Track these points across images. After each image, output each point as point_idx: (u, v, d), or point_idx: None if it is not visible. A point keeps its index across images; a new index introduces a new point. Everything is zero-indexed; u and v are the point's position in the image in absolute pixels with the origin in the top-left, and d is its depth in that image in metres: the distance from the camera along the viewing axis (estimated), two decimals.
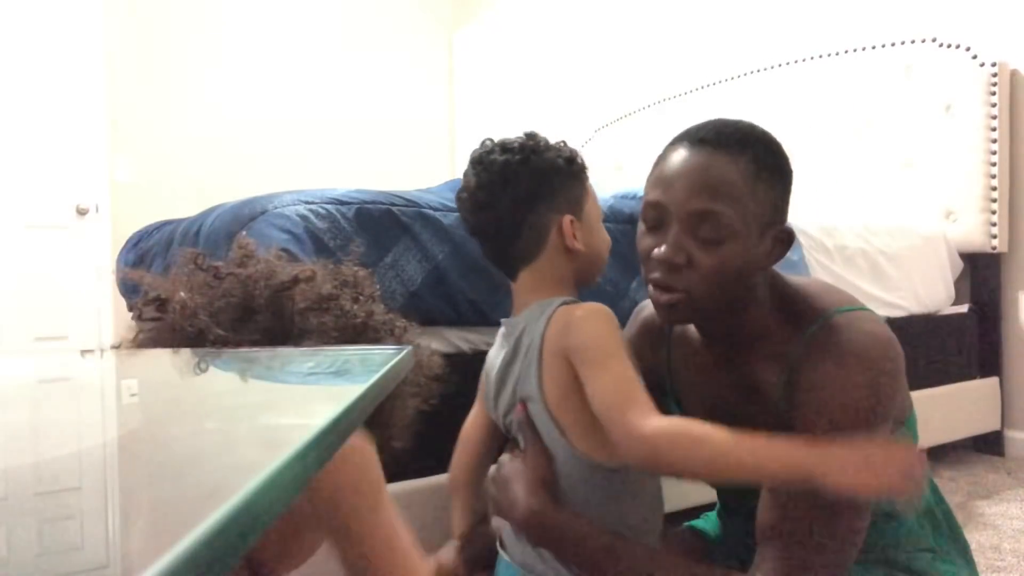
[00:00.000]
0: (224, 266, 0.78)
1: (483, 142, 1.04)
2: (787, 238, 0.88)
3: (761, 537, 0.84)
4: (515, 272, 1.03)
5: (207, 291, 0.75)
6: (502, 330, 1.06)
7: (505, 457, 1.01)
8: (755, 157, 0.84)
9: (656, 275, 0.85)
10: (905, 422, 0.93)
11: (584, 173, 1.07)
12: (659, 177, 0.87)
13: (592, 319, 0.92)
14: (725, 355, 0.95)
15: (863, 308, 0.88)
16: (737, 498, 1.07)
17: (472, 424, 1.18)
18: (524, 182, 0.98)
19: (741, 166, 0.83)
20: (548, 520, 0.89)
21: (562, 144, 1.06)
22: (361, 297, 0.82)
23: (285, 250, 1.29)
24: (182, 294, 0.74)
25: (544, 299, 0.98)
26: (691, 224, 0.83)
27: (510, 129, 1.12)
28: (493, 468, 1.02)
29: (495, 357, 1.06)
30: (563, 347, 0.92)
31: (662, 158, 0.89)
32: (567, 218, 0.99)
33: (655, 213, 0.87)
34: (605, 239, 1.08)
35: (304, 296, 0.78)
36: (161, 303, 0.75)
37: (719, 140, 0.85)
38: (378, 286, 0.85)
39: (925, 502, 0.99)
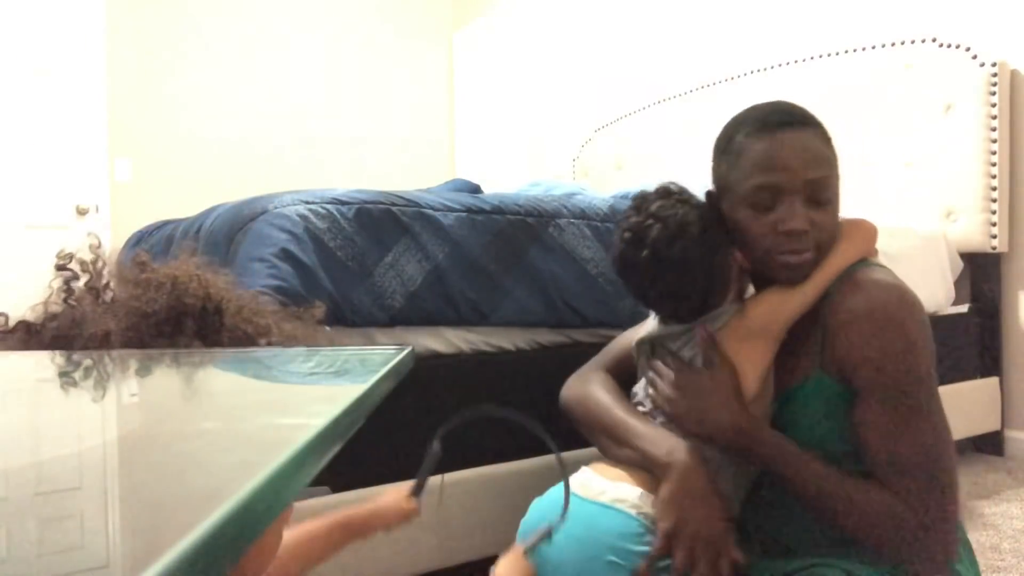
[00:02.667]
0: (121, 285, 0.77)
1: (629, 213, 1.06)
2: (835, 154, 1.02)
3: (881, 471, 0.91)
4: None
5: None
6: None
7: (667, 370, 1.03)
8: (821, 127, 0.99)
9: (788, 246, 0.96)
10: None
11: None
12: (762, 163, 0.96)
13: None
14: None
15: (884, 267, 1.00)
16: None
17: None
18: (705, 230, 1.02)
19: (821, 135, 0.98)
20: (757, 433, 0.95)
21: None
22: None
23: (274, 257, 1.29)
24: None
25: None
26: (808, 193, 0.95)
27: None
28: (661, 384, 1.03)
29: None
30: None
31: (747, 148, 0.97)
32: (737, 253, 1.03)
33: (767, 194, 0.96)
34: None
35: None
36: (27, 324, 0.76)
37: (800, 119, 0.97)
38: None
39: None
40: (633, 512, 0.96)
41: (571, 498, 1.01)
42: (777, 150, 0.95)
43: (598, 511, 0.98)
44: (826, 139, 0.98)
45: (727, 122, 1.04)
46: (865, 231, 1.03)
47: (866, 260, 1.01)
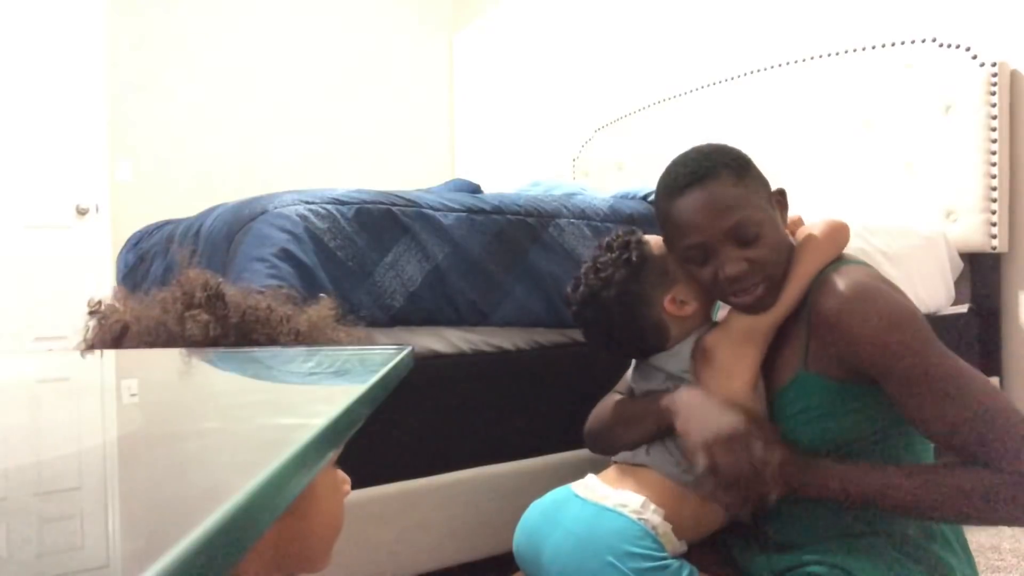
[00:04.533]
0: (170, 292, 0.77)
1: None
2: (782, 195, 1.08)
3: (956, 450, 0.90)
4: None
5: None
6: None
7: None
8: (726, 167, 1.01)
9: (733, 289, 1.01)
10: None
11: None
12: (681, 225, 1.02)
13: None
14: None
15: (857, 262, 1.02)
16: None
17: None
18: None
19: (724, 178, 1.00)
20: (800, 461, 0.96)
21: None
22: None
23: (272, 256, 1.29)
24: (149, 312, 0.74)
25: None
26: (730, 239, 0.99)
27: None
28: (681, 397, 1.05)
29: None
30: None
31: (668, 213, 1.04)
32: (667, 303, 1.09)
33: (698, 251, 1.01)
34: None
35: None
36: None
37: (703, 172, 1.00)
38: (333, 310, 0.83)
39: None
40: (634, 517, 0.98)
41: (574, 500, 1.03)
42: (686, 212, 1.00)
43: (600, 513, 1.00)
44: (738, 177, 1.00)
45: (659, 177, 1.08)
46: (835, 230, 1.05)
47: (842, 259, 1.03)
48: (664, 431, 1.04)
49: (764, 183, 1.05)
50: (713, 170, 1.00)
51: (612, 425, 1.15)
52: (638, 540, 0.95)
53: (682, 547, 1.00)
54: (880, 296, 0.93)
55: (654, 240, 1.13)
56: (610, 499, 1.01)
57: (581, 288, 1.12)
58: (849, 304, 0.93)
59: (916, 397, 0.90)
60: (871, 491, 0.91)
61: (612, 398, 1.21)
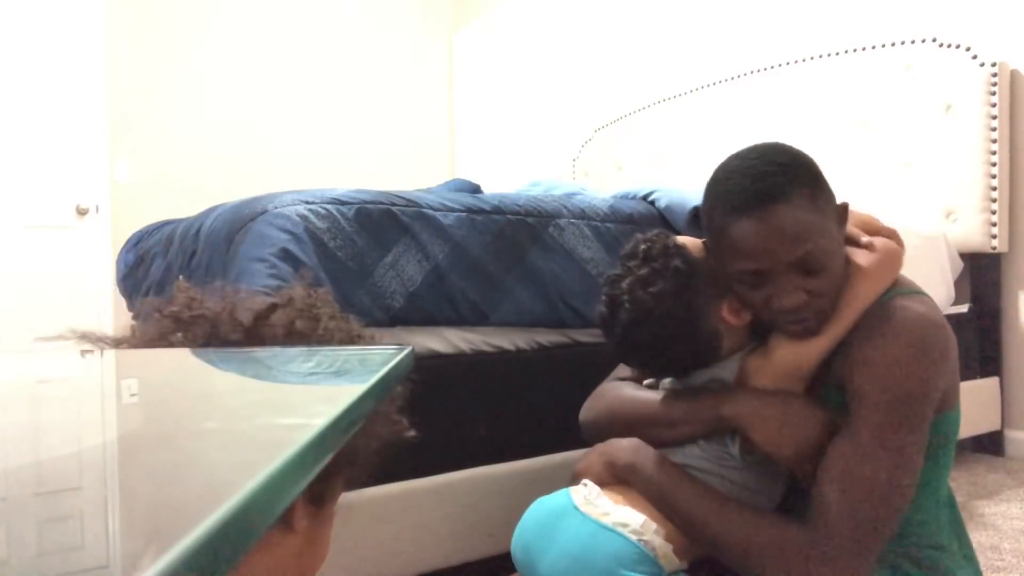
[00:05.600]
0: (180, 310, 0.75)
1: None
2: (845, 211, 0.97)
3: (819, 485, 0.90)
4: None
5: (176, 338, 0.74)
6: None
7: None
8: (800, 185, 0.90)
9: (786, 319, 0.94)
10: (951, 413, 0.96)
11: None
12: (741, 249, 0.91)
13: None
14: None
15: (919, 292, 0.96)
16: None
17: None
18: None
19: (798, 201, 0.89)
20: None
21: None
22: (323, 317, 0.80)
23: (270, 258, 1.29)
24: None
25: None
26: (794, 268, 0.90)
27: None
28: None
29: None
30: None
31: (726, 230, 0.92)
32: (725, 313, 1.02)
33: (755, 276, 0.93)
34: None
35: (281, 323, 0.75)
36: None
37: (777, 192, 0.89)
38: (337, 305, 0.82)
39: (947, 491, 1.00)
40: (634, 538, 0.94)
41: (572, 513, 0.99)
42: (750, 236, 0.90)
43: (598, 531, 0.96)
44: (812, 198, 0.90)
45: (711, 180, 0.97)
46: (890, 258, 0.96)
47: (897, 286, 0.97)
48: (712, 433, 1.00)
49: (833, 199, 0.95)
50: (786, 190, 0.89)
51: (645, 426, 1.06)
52: (636, 564, 0.92)
53: (682, 566, 0.98)
54: (933, 336, 0.89)
55: (691, 243, 1.03)
56: (610, 516, 0.97)
57: (626, 307, 1.00)
58: (901, 334, 0.88)
59: (853, 433, 0.88)
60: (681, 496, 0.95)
61: (625, 390, 1.12)
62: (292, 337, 0.74)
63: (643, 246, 1.02)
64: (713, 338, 1.00)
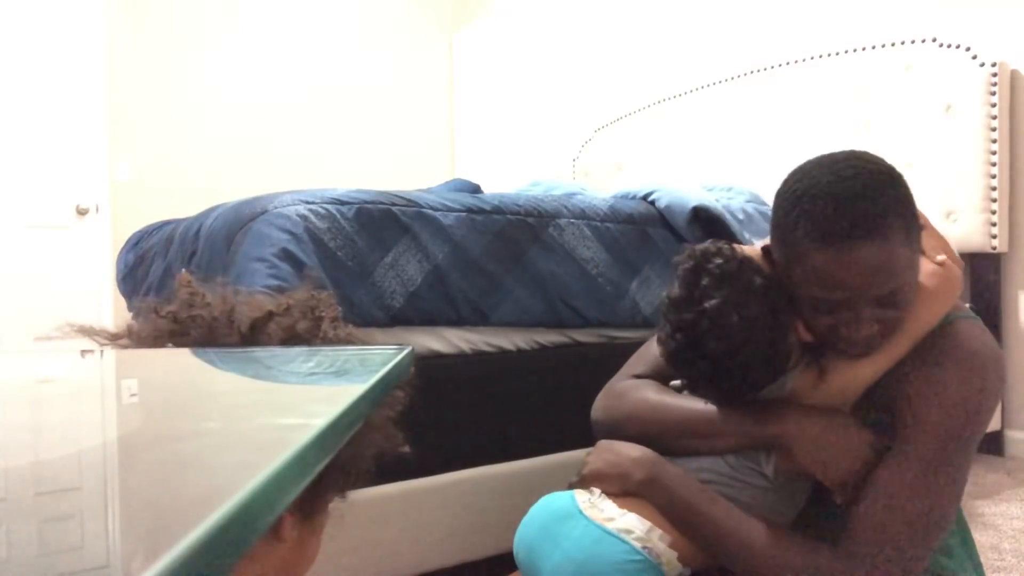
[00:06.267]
0: (179, 309, 0.75)
1: None
2: (919, 227, 0.89)
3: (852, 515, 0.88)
4: None
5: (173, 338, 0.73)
6: None
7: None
8: (898, 217, 0.84)
9: (855, 348, 0.89)
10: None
11: None
12: (825, 278, 0.85)
13: None
14: None
15: (975, 317, 0.94)
16: None
17: None
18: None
19: (894, 237, 0.83)
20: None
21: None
22: (325, 320, 0.79)
23: (271, 259, 1.29)
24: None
25: None
26: (875, 301, 0.86)
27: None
28: None
29: None
30: None
31: (809, 257, 0.85)
32: (800, 328, 0.97)
33: (828, 303, 0.87)
34: None
35: (279, 329, 0.74)
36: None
37: (871, 226, 0.82)
38: (340, 308, 0.82)
39: None
40: (638, 545, 0.93)
41: (577, 518, 0.98)
42: (839, 269, 0.83)
43: (602, 537, 0.95)
44: (906, 231, 0.84)
45: (789, 189, 0.89)
46: (949, 281, 0.91)
47: (954, 309, 0.93)
48: (748, 447, 0.97)
49: (919, 221, 0.89)
50: (883, 224, 0.82)
51: (677, 436, 1.00)
52: (640, 572, 0.92)
53: (686, 572, 0.97)
54: (991, 366, 0.88)
55: (752, 252, 0.97)
56: (615, 522, 0.96)
57: (713, 335, 0.91)
58: (963, 383, 0.87)
59: (902, 462, 0.87)
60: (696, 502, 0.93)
61: (651, 393, 1.05)
62: (290, 343, 0.74)
63: (715, 263, 0.93)
64: (789, 358, 0.94)
